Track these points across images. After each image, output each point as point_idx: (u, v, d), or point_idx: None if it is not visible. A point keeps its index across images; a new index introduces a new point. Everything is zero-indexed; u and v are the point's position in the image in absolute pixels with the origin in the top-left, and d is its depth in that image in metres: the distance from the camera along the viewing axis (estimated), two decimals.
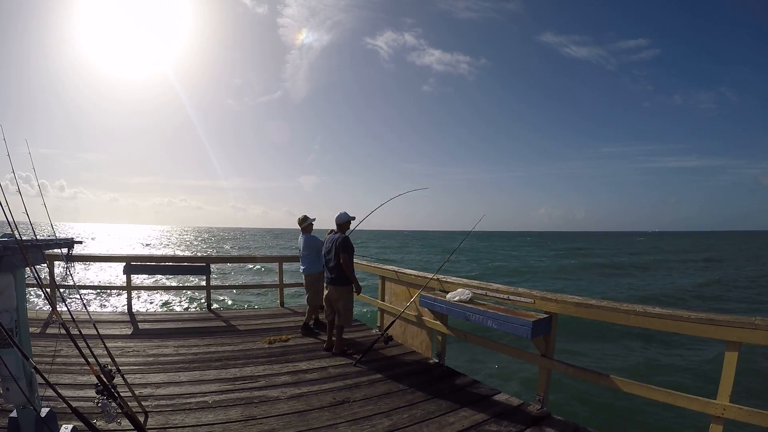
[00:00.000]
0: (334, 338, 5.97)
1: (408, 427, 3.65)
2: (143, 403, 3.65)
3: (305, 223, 7.03)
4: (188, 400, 3.95)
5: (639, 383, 3.63)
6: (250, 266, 29.42)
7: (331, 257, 5.78)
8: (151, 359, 5.16)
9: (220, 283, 19.33)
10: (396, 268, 6.61)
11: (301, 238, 7.03)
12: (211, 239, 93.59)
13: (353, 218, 5.99)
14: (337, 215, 5.97)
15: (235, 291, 18.90)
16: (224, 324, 7.25)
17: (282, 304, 9.10)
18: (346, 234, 5.90)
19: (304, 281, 7.08)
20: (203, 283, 8.83)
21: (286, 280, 9.37)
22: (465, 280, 5.35)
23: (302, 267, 6.98)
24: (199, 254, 40.34)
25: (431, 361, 5.57)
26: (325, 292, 6.01)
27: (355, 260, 5.96)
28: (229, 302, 17.28)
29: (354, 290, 5.90)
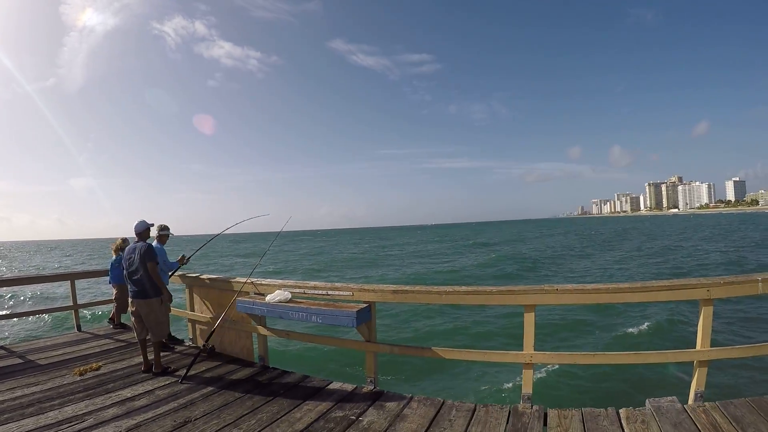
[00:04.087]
0: (151, 358, 5.59)
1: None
2: None
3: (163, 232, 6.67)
4: None
5: (458, 349, 4.48)
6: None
7: (135, 268, 5.41)
8: None
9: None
10: (205, 275, 6.45)
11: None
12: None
13: (152, 225, 5.80)
14: (135, 224, 5.62)
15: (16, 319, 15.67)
16: (20, 360, 6.15)
17: (78, 328, 8.05)
18: (148, 242, 5.64)
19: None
20: None
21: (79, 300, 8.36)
22: (281, 281, 5.55)
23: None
24: None
25: (257, 365, 5.66)
26: (131, 308, 5.60)
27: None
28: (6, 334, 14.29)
29: (164, 300, 5.61)
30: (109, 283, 8.01)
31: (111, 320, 8.15)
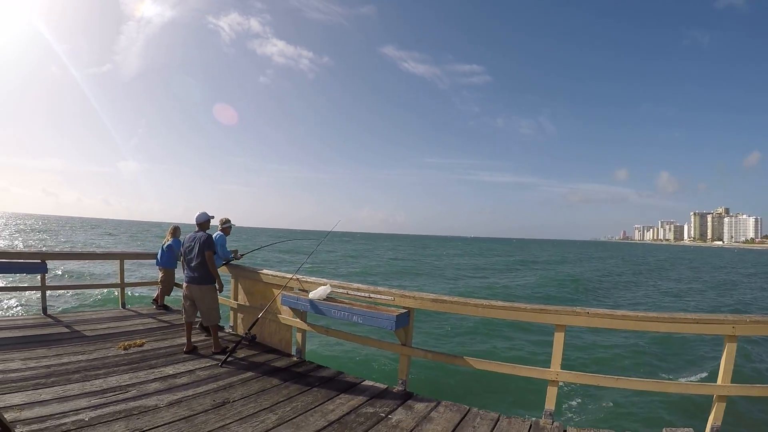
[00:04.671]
0: (194, 340, 5.98)
1: (294, 419, 4.01)
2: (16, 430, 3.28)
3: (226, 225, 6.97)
4: (62, 421, 3.61)
5: (488, 360, 4.67)
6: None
7: (193, 256, 5.81)
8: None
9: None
10: (254, 268, 6.77)
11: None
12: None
13: (212, 217, 6.18)
14: (197, 215, 6.05)
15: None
16: (67, 330, 6.61)
17: (123, 305, 8.56)
18: (207, 232, 6.02)
19: None
20: (37, 283, 7.94)
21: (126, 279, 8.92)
22: (324, 280, 5.80)
23: None
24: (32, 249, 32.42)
25: (294, 358, 5.89)
26: (184, 291, 5.99)
27: None
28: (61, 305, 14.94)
29: (216, 288, 6.02)
30: (157, 265, 8.50)
31: (155, 301, 8.65)
